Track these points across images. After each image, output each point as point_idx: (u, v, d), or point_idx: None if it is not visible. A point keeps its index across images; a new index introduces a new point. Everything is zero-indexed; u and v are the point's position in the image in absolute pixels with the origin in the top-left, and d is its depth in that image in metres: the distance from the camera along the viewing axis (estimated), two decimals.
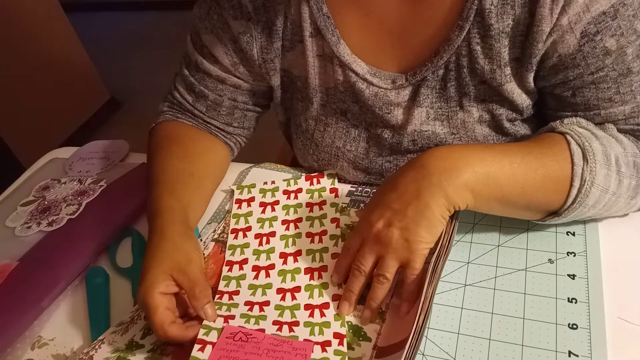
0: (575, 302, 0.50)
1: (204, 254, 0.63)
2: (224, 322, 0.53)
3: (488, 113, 0.61)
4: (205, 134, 0.74)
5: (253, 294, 0.57)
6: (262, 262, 0.61)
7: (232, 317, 0.54)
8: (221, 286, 0.59)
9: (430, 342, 0.49)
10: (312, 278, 0.58)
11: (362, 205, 0.67)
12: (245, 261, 0.61)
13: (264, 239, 0.64)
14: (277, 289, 0.57)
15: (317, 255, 0.60)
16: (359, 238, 0.54)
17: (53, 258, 0.66)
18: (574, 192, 0.50)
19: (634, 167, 0.53)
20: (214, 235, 0.67)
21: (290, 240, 0.63)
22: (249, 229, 0.66)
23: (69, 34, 2.35)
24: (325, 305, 0.54)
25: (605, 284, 0.51)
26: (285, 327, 0.52)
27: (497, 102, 0.60)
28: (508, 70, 0.57)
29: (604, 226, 0.57)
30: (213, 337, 0.51)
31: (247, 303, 0.56)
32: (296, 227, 0.64)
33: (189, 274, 0.54)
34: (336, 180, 0.71)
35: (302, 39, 0.63)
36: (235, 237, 0.65)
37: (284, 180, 0.72)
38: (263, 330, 0.52)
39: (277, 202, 0.69)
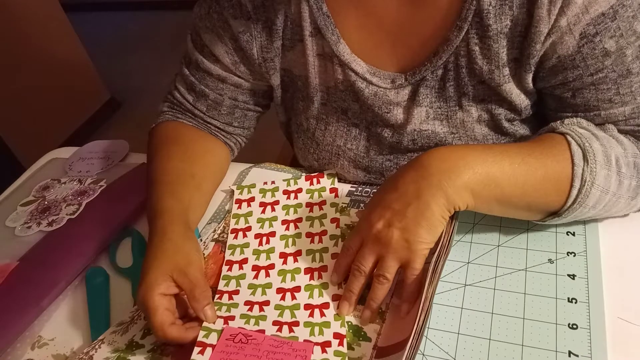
0: (575, 302, 0.50)
1: (204, 255, 0.63)
2: (224, 324, 0.53)
3: (487, 113, 0.61)
4: (206, 134, 0.74)
5: (253, 293, 0.57)
6: (262, 261, 0.61)
7: (232, 317, 0.54)
8: (221, 285, 0.59)
9: (430, 342, 0.49)
10: (312, 278, 0.58)
11: (362, 205, 0.67)
12: (245, 261, 0.61)
13: (264, 239, 0.64)
14: (277, 289, 0.57)
15: (317, 255, 0.60)
16: (359, 238, 0.54)
17: (53, 258, 0.66)
18: (574, 192, 0.50)
19: (634, 167, 0.53)
20: (214, 235, 0.67)
21: (290, 240, 0.63)
22: (249, 229, 0.66)
23: (69, 34, 2.35)
24: (325, 305, 0.54)
25: (605, 284, 0.51)
26: (285, 328, 0.52)
27: (495, 102, 0.60)
28: (506, 71, 0.57)
29: (604, 226, 0.57)
30: (213, 339, 0.51)
31: (247, 303, 0.56)
32: (296, 227, 0.64)
33: (189, 275, 0.54)
34: (336, 180, 0.71)
35: (302, 38, 0.63)
36: (235, 237, 0.65)
37: (284, 180, 0.72)
38: (263, 331, 0.52)
39: (277, 202, 0.69)
